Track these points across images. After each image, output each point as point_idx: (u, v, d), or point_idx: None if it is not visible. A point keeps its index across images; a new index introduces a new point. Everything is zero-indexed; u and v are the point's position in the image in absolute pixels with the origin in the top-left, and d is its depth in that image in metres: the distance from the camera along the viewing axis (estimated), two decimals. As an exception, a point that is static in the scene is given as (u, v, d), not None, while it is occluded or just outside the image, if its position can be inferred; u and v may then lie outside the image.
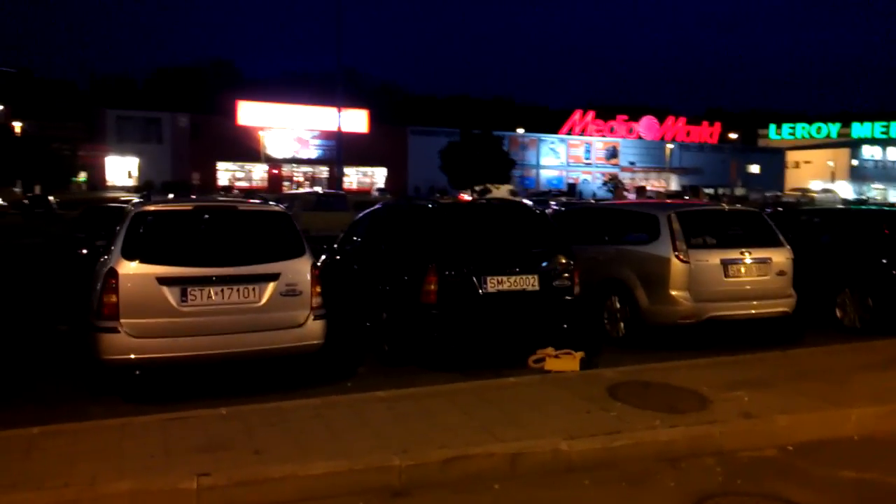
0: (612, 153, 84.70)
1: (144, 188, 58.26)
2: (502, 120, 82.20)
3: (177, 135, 70.66)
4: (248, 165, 72.58)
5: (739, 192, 72.16)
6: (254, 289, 6.02)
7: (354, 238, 9.11)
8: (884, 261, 9.35)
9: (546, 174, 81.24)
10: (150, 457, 4.55)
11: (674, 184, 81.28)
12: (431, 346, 7.11)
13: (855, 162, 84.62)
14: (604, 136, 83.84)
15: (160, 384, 6.39)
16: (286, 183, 71.72)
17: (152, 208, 6.26)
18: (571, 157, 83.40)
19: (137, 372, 5.94)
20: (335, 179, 71.99)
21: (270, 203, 7.41)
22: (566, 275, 7.42)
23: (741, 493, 4.63)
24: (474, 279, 6.99)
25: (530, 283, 7.22)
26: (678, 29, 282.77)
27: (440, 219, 7.56)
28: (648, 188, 74.58)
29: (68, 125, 69.41)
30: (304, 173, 74.24)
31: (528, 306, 7.24)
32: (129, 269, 5.75)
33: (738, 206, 10.75)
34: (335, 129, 69.47)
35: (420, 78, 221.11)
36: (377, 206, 9.36)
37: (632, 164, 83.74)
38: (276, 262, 6.16)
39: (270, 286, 6.07)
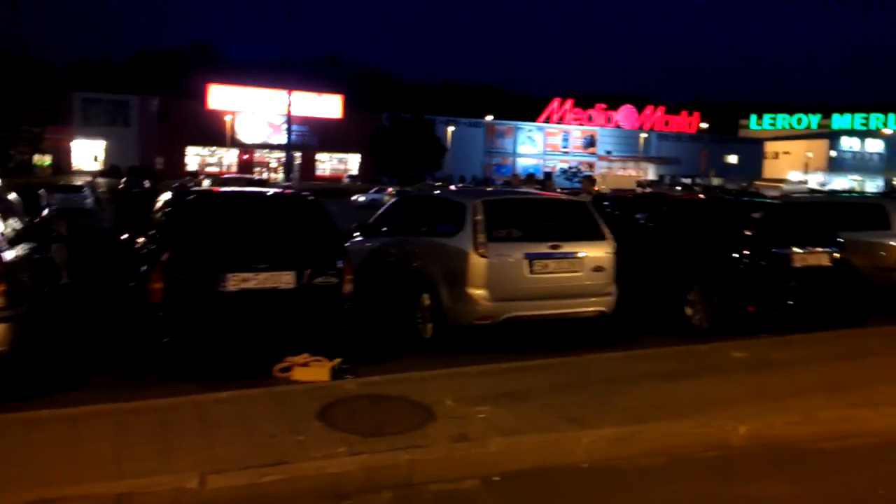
0: (590, 142, 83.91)
1: (109, 173, 57.10)
2: (488, 108, 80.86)
3: (146, 118, 69.29)
4: (218, 150, 71.33)
5: (716, 181, 71.22)
6: None
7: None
8: (734, 255, 8.53)
9: (523, 162, 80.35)
10: None
11: (651, 173, 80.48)
12: (161, 351, 6.23)
13: (833, 153, 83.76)
14: (582, 124, 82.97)
15: None
16: (257, 168, 70.57)
17: None
18: (549, 146, 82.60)
19: None
20: (308, 165, 71.14)
21: None
22: (332, 272, 6.55)
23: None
24: (211, 277, 6.12)
25: (284, 280, 6.36)
26: (663, 19, 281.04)
27: (186, 211, 6.67)
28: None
29: (34, 108, 67.77)
30: (277, 159, 73.11)
31: (281, 307, 6.37)
32: None
33: (566, 195, 9.64)
34: (307, 114, 68.82)
35: (411, 66, 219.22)
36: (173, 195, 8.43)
37: (608, 153, 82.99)
38: None
39: None
